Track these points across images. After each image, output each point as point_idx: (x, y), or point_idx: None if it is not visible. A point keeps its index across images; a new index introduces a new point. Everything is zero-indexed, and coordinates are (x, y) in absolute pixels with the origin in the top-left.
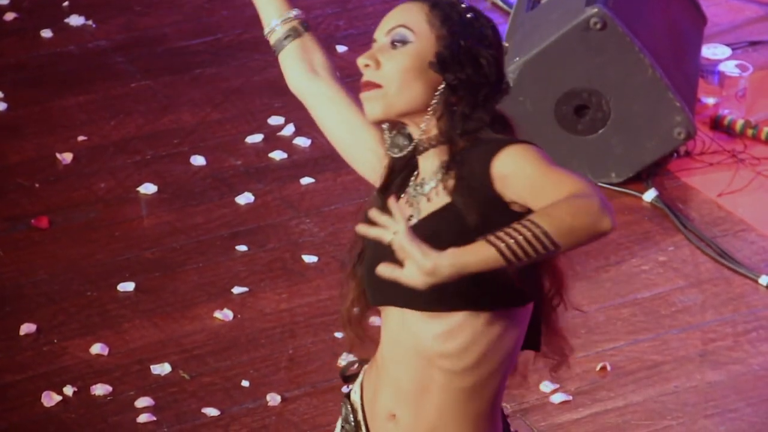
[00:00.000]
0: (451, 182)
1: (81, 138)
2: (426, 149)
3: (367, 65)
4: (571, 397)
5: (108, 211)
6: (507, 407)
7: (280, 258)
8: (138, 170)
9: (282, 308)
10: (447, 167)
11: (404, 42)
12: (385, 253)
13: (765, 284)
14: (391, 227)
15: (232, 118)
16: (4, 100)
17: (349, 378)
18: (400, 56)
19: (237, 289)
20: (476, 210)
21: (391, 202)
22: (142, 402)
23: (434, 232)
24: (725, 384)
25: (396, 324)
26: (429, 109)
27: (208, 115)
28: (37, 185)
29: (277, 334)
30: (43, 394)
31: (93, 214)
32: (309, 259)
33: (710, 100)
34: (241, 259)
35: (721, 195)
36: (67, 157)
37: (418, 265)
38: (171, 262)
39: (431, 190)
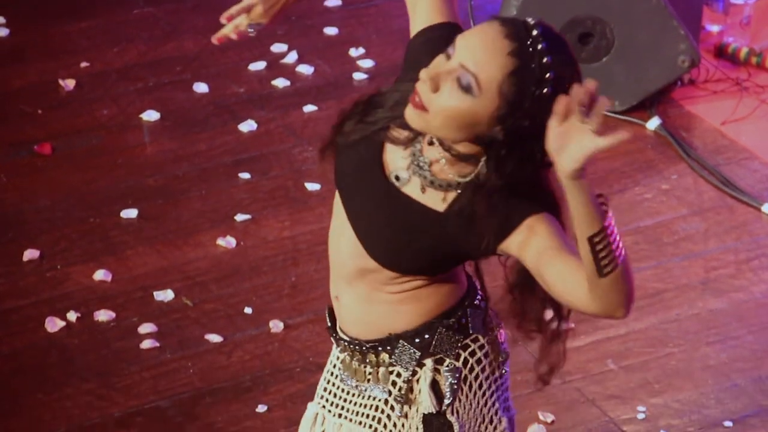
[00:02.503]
0: (456, 202)
1: (84, 64)
2: (441, 145)
3: (424, 81)
4: (572, 325)
5: (111, 138)
6: (508, 333)
7: (283, 185)
8: (141, 97)
9: (285, 236)
10: (461, 188)
11: (467, 91)
12: (368, 176)
13: (767, 212)
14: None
15: (234, 46)
16: (6, 25)
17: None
18: (456, 101)
19: (240, 217)
20: (464, 241)
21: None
22: (145, 328)
23: (412, 224)
24: (727, 311)
25: (340, 228)
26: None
27: (211, 42)
28: (39, 111)
29: (280, 261)
30: (47, 320)
31: (96, 141)
32: (312, 186)
33: (714, 28)
34: (244, 187)
35: (724, 123)
36: (69, 84)
37: (562, 159)
38: (174, 189)
39: (429, 185)
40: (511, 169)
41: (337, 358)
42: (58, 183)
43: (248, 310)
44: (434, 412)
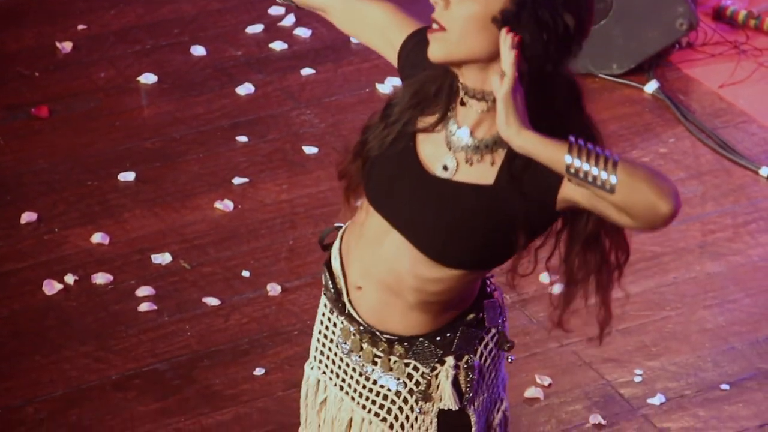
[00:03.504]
0: (506, 162)
1: (81, 27)
2: (474, 98)
3: (437, 2)
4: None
5: (108, 101)
6: (507, 298)
7: (281, 149)
8: (138, 60)
9: (282, 199)
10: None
11: None
12: (405, 174)
13: (765, 175)
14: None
15: (232, 8)
16: None
17: (328, 246)
18: (470, 3)
19: (237, 180)
20: (521, 208)
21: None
22: (143, 291)
23: (467, 210)
24: (724, 275)
25: (384, 231)
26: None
27: (209, 5)
28: (36, 74)
29: (278, 224)
30: (44, 283)
31: (93, 104)
32: (309, 150)
33: None
34: (242, 150)
35: (722, 86)
36: (66, 46)
37: (500, 123)
38: (171, 152)
39: (474, 153)
40: (540, 83)
41: (335, 324)
42: (55, 146)
43: (246, 274)
44: (455, 409)
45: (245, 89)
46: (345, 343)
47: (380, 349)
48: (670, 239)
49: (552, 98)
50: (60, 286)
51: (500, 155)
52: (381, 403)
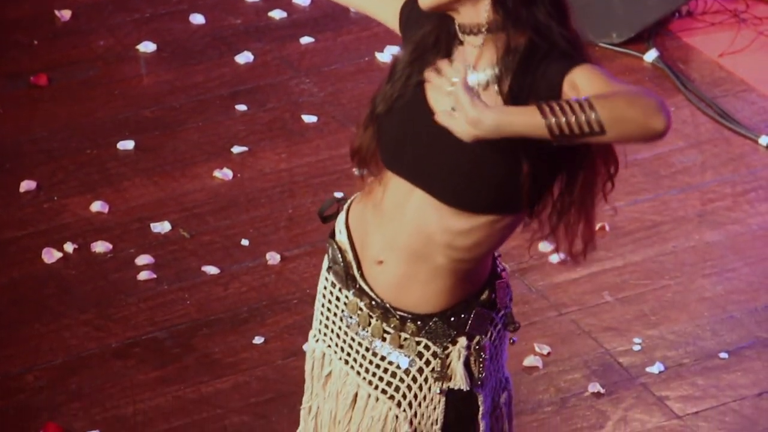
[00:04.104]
0: (507, 87)
1: None
2: (470, 33)
3: None
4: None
5: (107, 69)
6: (506, 267)
7: (280, 117)
8: (137, 28)
9: (281, 168)
10: (504, 65)
11: None
12: (415, 125)
13: (765, 144)
14: (451, 76)
15: None
16: None
17: (328, 218)
18: None
19: (236, 149)
20: None
21: (446, 63)
22: (142, 260)
23: (482, 145)
24: (723, 244)
25: (404, 195)
26: None
27: None
28: (35, 42)
29: (277, 193)
30: (44, 251)
31: (92, 72)
32: (308, 118)
33: None
34: (241, 119)
35: (722, 55)
36: (65, 14)
37: (465, 113)
38: (170, 121)
39: (478, 85)
40: (525, 12)
41: (339, 299)
42: (54, 114)
43: (245, 242)
44: (465, 390)
45: (244, 58)
46: (351, 318)
47: (391, 325)
48: (670, 208)
49: (534, 14)
50: (59, 255)
51: (505, 83)
52: (389, 381)
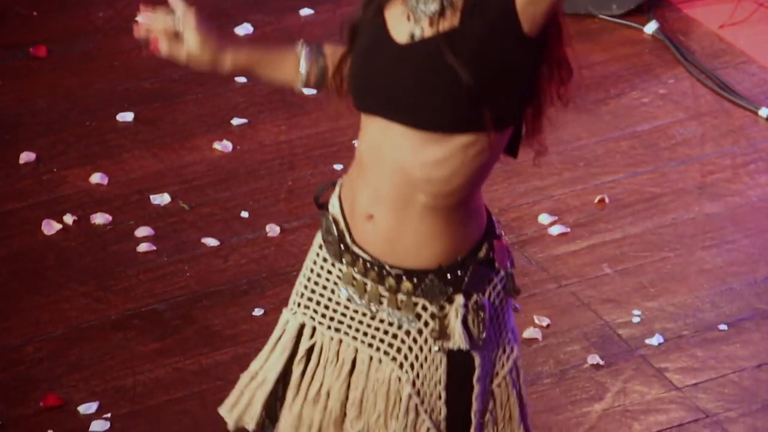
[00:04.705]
0: (461, 2)
1: None
2: None
3: None
4: (569, 229)
5: (107, 41)
6: (505, 238)
7: (279, 90)
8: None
9: (281, 140)
10: None
11: None
12: (378, 55)
13: (765, 116)
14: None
15: None
16: None
17: (323, 205)
18: None
19: (236, 121)
20: (488, 35)
21: None
22: (142, 231)
23: (436, 54)
24: (723, 216)
25: (379, 136)
26: None
27: None
28: (35, 13)
29: (276, 165)
30: (43, 222)
31: (92, 44)
32: (308, 90)
33: None
34: (241, 91)
35: (722, 27)
36: None
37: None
38: (170, 93)
39: (436, 12)
40: None
41: (330, 272)
42: (54, 86)
43: (245, 214)
44: (464, 349)
45: (244, 29)
46: (347, 289)
47: (387, 286)
48: (669, 180)
49: None
50: (59, 226)
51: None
52: (390, 342)
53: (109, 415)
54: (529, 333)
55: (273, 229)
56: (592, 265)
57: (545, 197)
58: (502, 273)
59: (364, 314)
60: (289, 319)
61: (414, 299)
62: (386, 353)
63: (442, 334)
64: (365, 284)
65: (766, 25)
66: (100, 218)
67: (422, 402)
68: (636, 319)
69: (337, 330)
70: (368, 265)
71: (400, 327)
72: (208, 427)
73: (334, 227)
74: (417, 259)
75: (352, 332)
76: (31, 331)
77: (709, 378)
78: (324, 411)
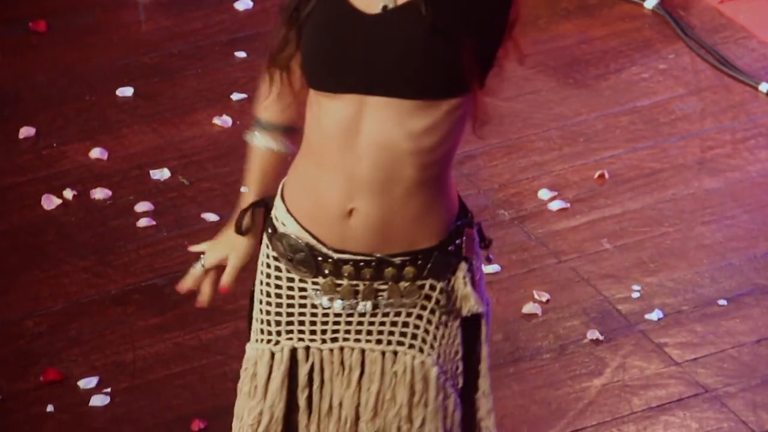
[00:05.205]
0: None
1: None
2: None
3: None
4: (568, 205)
5: (106, 16)
6: (505, 214)
7: None
8: None
9: None
10: None
11: None
12: (348, 34)
13: (765, 91)
14: None
15: None
16: None
17: (248, 231)
18: None
19: (236, 96)
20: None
21: None
22: (142, 206)
23: (419, 19)
24: (723, 191)
25: (354, 116)
26: None
27: None
28: None
29: None
30: (43, 197)
31: (91, 19)
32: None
33: None
34: (240, 66)
35: (723, 1)
36: None
37: None
38: (170, 68)
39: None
40: None
41: (304, 289)
42: (53, 61)
43: (245, 189)
44: (477, 313)
45: (243, 4)
46: (330, 299)
47: (388, 277)
48: (669, 155)
49: None
50: (59, 201)
51: None
52: (401, 332)
53: (109, 389)
54: (528, 308)
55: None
56: (592, 240)
57: (545, 173)
58: (476, 228)
59: (361, 315)
60: (272, 351)
61: (419, 282)
62: (400, 343)
63: (454, 305)
64: (354, 287)
65: (766, 0)
66: (99, 193)
67: (447, 379)
68: (635, 295)
69: (334, 340)
70: (361, 264)
71: (409, 314)
72: (208, 402)
73: (300, 243)
74: (414, 240)
75: (352, 336)
76: (31, 305)
77: (708, 353)
78: (339, 421)
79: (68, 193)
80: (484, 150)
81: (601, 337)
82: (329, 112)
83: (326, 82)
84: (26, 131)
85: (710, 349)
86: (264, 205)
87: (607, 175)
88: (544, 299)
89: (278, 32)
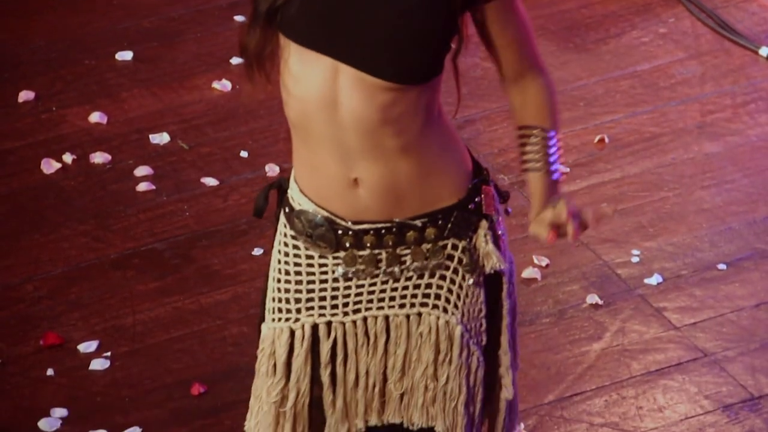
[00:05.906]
0: None
1: None
2: None
3: None
4: (568, 169)
5: None
6: (505, 179)
7: None
8: None
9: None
10: None
11: None
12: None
13: (765, 55)
14: None
15: None
16: None
17: (261, 212)
18: None
19: (235, 60)
20: None
21: None
22: (141, 171)
23: (407, 8)
24: (722, 155)
25: (330, 84)
26: None
27: None
28: None
29: (276, 105)
30: (43, 161)
31: None
32: None
33: None
34: (240, 30)
35: None
36: None
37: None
38: (169, 32)
39: None
40: None
41: (324, 265)
42: (53, 24)
43: (244, 154)
44: (498, 270)
45: None
46: (352, 271)
47: (410, 241)
48: (669, 120)
49: None
50: (58, 165)
51: None
52: (424, 293)
53: (108, 353)
54: (528, 273)
55: (272, 169)
56: (591, 204)
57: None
58: (492, 184)
59: (384, 282)
60: (291, 329)
61: (441, 243)
62: (424, 305)
63: (477, 264)
64: (376, 255)
65: None
66: (99, 157)
67: (471, 337)
68: (635, 259)
69: (357, 311)
70: (382, 231)
71: (432, 275)
72: (207, 366)
73: (318, 219)
74: (429, 200)
75: (375, 305)
76: (30, 269)
77: (707, 317)
78: (366, 390)
79: (68, 158)
80: (484, 115)
81: (600, 302)
82: (304, 80)
83: (305, 34)
84: (25, 95)
85: (709, 313)
86: (278, 186)
87: (606, 140)
88: (543, 264)
89: (252, 34)
